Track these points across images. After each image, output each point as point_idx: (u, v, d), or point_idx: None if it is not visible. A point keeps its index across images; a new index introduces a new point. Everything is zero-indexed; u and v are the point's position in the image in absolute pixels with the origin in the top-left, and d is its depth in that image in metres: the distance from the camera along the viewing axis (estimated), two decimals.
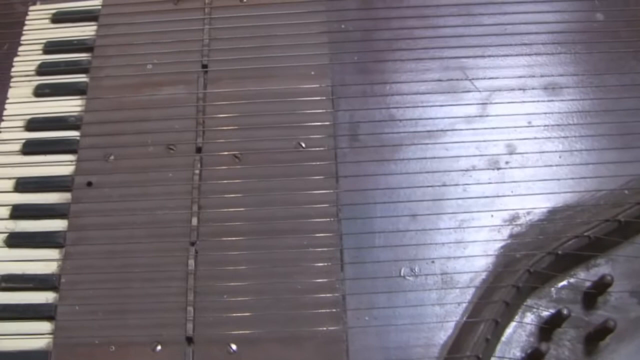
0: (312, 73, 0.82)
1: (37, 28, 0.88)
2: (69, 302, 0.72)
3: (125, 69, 0.84)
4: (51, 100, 0.83)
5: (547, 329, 0.70)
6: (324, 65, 0.82)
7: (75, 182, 0.78)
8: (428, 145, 0.78)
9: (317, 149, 0.77)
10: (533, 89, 0.81)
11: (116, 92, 0.82)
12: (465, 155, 0.78)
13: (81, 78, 0.84)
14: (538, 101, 0.80)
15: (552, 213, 0.75)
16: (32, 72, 0.85)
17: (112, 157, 0.78)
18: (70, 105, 0.83)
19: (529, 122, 0.79)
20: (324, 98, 0.80)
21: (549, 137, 0.78)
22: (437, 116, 0.80)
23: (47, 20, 0.89)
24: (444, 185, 0.76)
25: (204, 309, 0.70)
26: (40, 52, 0.87)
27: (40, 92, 0.84)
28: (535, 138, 0.78)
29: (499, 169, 0.77)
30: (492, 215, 0.74)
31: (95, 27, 0.87)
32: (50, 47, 0.87)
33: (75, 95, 0.83)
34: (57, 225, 0.76)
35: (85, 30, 0.88)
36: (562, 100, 0.81)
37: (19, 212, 0.77)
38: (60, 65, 0.85)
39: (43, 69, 0.85)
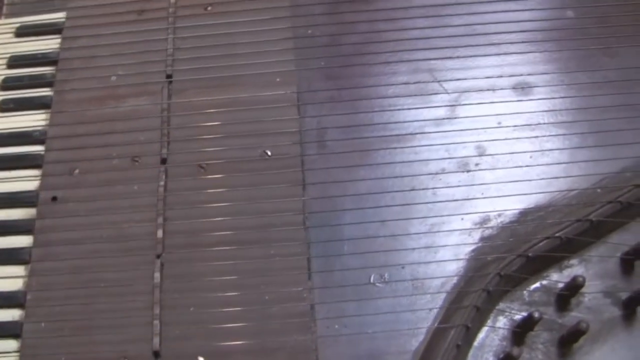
0: (278, 80, 0.81)
1: (1, 42, 0.88)
2: (35, 319, 0.71)
3: (89, 81, 0.83)
4: (15, 115, 0.83)
5: (520, 332, 0.69)
6: (289, 72, 0.81)
7: (40, 197, 0.77)
8: (397, 149, 0.77)
9: (284, 156, 0.76)
10: (502, 89, 0.80)
11: (81, 105, 0.81)
12: (435, 158, 0.77)
13: (45, 92, 0.83)
14: (508, 101, 0.79)
15: (524, 214, 0.73)
16: None
17: (77, 171, 0.77)
18: (34, 120, 0.82)
19: (499, 123, 0.78)
20: (290, 105, 0.79)
21: (519, 138, 0.77)
22: (405, 120, 0.79)
23: (11, 35, 0.88)
24: (414, 189, 0.75)
25: (171, 323, 0.69)
26: (5, 66, 0.86)
27: (5, 107, 0.83)
28: (505, 139, 0.77)
29: (468, 171, 0.76)
30: (462, 219, 0.73)
31: (59, 40, 0.87)
32: (15, 61, 0.86)
33: (40, 110, 0.83)
34: (22, 241, 0.75)
35: (49, 44, 0.87)
36: (532, 100, 0.79)
37: None
38: (24, 79, 0.84)
39: (7, 84, 0.85)
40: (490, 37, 0.83)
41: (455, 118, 0.79)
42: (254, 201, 0.74)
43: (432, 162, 0.76)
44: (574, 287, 0.68)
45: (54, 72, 0.84)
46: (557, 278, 0.71)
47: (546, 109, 0.79)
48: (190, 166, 0.76)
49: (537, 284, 0.71)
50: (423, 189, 0.75)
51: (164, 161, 0.77)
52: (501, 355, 0.67)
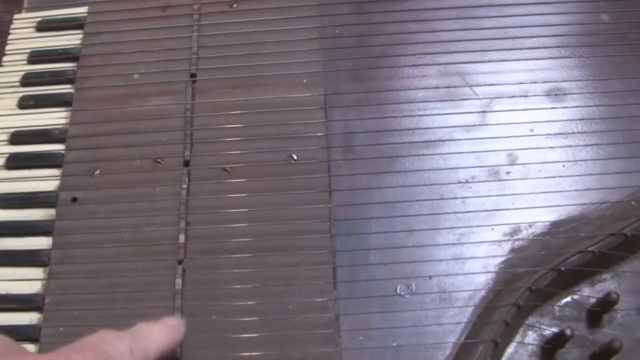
0: (304, 81, 0.79)
1: (22, 37, 0.85)
2: (53, 324, 0.69)
3: (111, 79, 0.81)
4: (36, 113, 0.81)
5: (550, 349, 0.67)
6: (316, 73, 0.79)
7: (60, 197, 0.75)
8: (425, 156, 0.75)
9: (310, 161, 0.75)
10: (535, 95, 0.78)
11: (102, 104, 0.79)
12: (465, 166, 0.74)
13: (66, 89, 0.82)
14: (540, 108, 0.77)
15: (555, 226, 0.71)
16: (17, 83, 0.83)
17: (97, 172, 0.76)
18: (55, 118, 0.80)
19: (531, 130, 0.76)
20: (317, 107, 0.77)
21: (552, 146, 0.75)
22: (435, 125, 0.77)
23: (32, 29, 0.86)
24: (442, 198, 0.73)
25: (192, 330, 0.67)
26: (25, 62, 0.84)
27: (25, 103, 0.81)
28: (537, 147, 0.75)
29: (499, 180, 0.74)
30: (492, 229, 0.71)
31: (81, 36, 0.85)
32: (35, 56, 0.84)
33: (60, 107, 0.80)
34: (41, 243, 0.73)
35: (70, 39, 0.85)
36: (566, 107, 0.77)
37: (2, 229, 0.74)
38: (45, 75, 0.82)
39: (27, 80, 0.83)
40: (523, 41, 0.81)
41: (487, 124, 0.76)
42: (278, 207, 0.72)
43: (461, 170, 0.74)
44: (607, 303, 0.67)
45: (75, 68, 0.82)
46: (589, 293, 0.69)
47: (580, 117, 0.77)
48: (214, 169, 0.74)
49: (568, 299, 0.69)
50: (452, 198, 0.73)
51: (186, 163, 0.75)
52: None
